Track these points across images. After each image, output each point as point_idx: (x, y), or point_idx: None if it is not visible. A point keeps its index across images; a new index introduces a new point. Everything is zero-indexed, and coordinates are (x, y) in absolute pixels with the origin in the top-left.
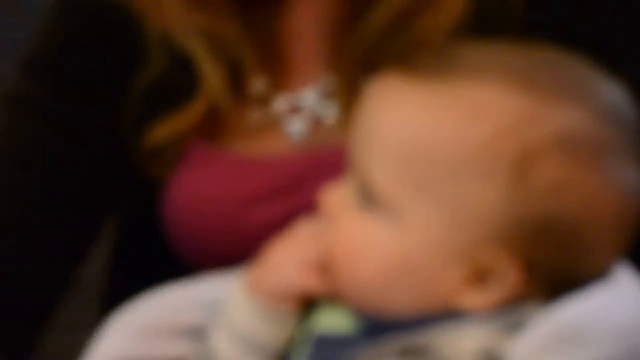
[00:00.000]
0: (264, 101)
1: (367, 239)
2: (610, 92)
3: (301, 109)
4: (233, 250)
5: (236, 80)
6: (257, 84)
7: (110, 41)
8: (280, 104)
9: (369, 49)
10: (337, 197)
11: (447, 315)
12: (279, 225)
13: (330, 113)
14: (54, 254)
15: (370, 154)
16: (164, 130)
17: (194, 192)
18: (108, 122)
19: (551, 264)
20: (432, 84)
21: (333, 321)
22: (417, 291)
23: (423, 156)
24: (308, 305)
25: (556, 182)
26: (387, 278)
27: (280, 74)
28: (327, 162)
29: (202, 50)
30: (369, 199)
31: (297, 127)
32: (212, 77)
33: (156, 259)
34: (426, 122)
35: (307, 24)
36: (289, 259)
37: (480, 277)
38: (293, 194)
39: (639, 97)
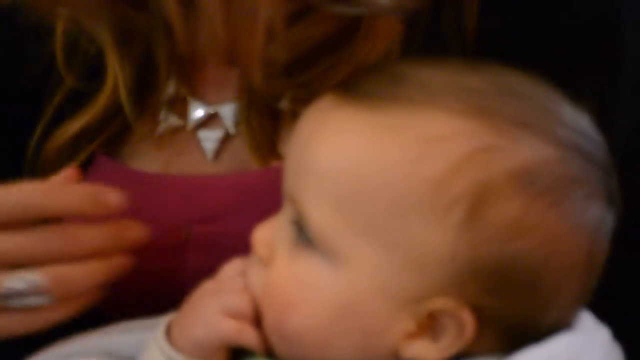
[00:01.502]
0: (176, 108)
1: (303, 281)
2: (574, 117)
3: (216, 122)
4: (138, 288)
5: (146, 81)
6: (171, 88)
7: (21, 50)
8: (195, 112)
9: (281, 76)
10: (269, 233)
11: None
12: (195, 263)
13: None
14: None
15: (305, 187)
16: (64, 134)
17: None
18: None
19: (508, 313)
20: (375, 109)
21: None
22: (358, 341)
23: (364, 192)
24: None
25: (513, 223)
26: (325, 326)
27: (196, 83)
28: (245, 190)
29: (111, 43)
30: (305, 237)
31: (210, 139)
32: (119, 69)
33: None
34: (368, 155)
35: None
36: (215, 305)
37: (429, 326)
38: (212, 224)
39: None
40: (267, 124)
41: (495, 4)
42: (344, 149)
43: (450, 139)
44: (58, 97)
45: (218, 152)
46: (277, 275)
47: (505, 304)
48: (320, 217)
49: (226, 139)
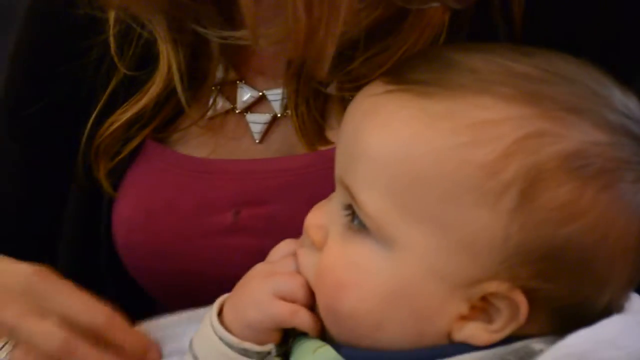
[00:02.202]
0: (225, 92)
1: (356, 265)
2: (624, 101)
3: (264, 105)
4: (187, 272)
5: (197, 67)
6: (220, 72)
7: (73, 45)
8: (244, 95)
9: (328, 67)
10: (321, 218)
11: (443, 350)
12: (244, 246)
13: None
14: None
15: (357, 174)
16: (117, 121)
17: (146, 197)
18: (68, 122)
19: (560, 296)
20: (426, 95)
21: (315, 357)
22: (410, 324)
23: (417, 177)
24: (287, 339)
25: (565, 206)
26: (378, 309)
27: (245, 68)
28: (292, 174)
29: (164, 30)
30: (358, 222)
31: (258, 122)
32: (172, 54)
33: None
34: (419, 140)
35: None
36: (267, 287)
37: (482, 309)
38: (259, 207)
39: None
40: (315, 108)
41: None
42: (396, 134)
43: (501, 124)
44: (112, 85)
45: (265, 135)
46: (330, 259)
47: (557, 287)
48: (374, 202)
49: (273, 122)
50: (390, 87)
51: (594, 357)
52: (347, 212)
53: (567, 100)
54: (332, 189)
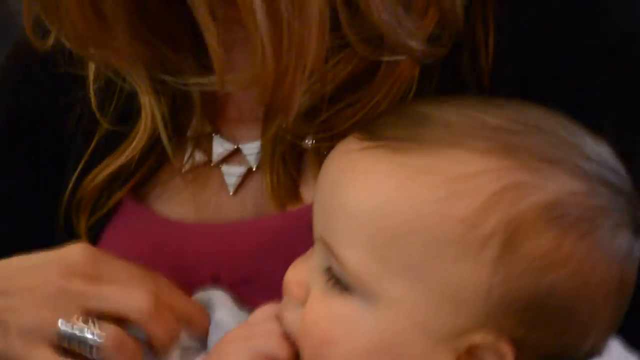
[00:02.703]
0: (201, 145)
1: (341, 321)
2: (597, 149)
3: (239, 158)
4: None
5: (179, 119)
6: (198, 125)
7: (51, 105)
8: (219, 147)
9: (301, 119)
10: (301, 274)
11: None
12: None
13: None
14: None
15: (337, 231)
16: (99, 176)
17: (122, 259)
18: (44, 173)
19: (545, 344)
20: (401, 151)
21: None
22: None
23: (397, 233)
24: None
25: (547, 256)
26: None
27: (220, 120)
28: (268, 234)
29: (147, 83)
30: (340, 279)
31: (233, 174)
32: (156, 106)
33: None
34: (398, 195)
35: None
36: (247, 350)
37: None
38: (238, 270)
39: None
40: (291, 163)
41: (511, 43)
42: (374, 191)
43: (478, 177)
44: (95, 140)
45: (239, 187)
46: (313, 315)
47: (542, 335)
48: (356, 259)
49: (248, 175)
50: (365, 144)
51: None
52: (327, 270)
53: (542, 151)
54: (308, 247)
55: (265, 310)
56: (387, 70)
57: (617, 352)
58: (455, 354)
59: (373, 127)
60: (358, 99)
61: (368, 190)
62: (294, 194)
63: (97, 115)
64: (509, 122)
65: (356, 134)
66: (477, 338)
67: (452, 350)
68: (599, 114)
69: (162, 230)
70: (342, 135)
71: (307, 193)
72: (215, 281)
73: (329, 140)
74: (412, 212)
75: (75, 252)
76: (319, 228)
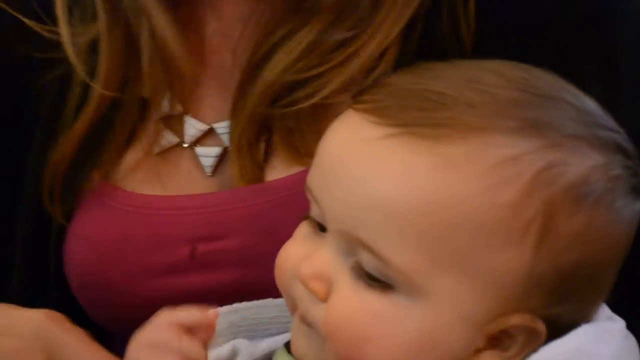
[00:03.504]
0: (172, 126)
1: (379, 316)
2: (599, 112)
3: (213, 138)
4: (144, 310)
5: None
6: (166, 106)
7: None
8: (191, 128)
9: (262, 105)
10: (319, 268)
11: None
12: (202, 281)
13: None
14: None
15: (377, 230)
16: (66, 150)
17: (97, 238)
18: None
19: (569, 315)
20: (434, 139)
21: None
22: None
23: (445, 226)
24: None
25: (579, 232)
26: (404, 358)
27: (191, 101)
28: (243, 206)
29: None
30: (375, 276)
31: (208, 155)
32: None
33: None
34: (444, 188)
35: (217, 56)
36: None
37: (497, 338)
38: (215, 242)
39: None
40: (260, 140)
41: (490, 5)
42: (420, 186)
43: (518, 160)
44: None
45: (217, 168)
46: (345, 311)
47: (568, 308)
48: (403, 258)
49: (225, 155)
50: (388, 131)
51: None
52: (355, 265)
53: (563, 125)
54: (286, 220)
55: (169, 315)
56: (362, 39)
57: (605, 316)
58: (487, 335)
59: (383, 108)
60: (329, 71)
61: (413, 185)
62: (260, 177)
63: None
64: (521, 93)
65: (367, 117)
66: (515, 320)
67: (487, 334)
68: (579, 76)
69: (136, 207)
70: (309, 112)
71: (271, 175)
72: (192, 255)
73: (296, 118)
74: (461, 205)
75: (37, 324)
76: (342, 224)
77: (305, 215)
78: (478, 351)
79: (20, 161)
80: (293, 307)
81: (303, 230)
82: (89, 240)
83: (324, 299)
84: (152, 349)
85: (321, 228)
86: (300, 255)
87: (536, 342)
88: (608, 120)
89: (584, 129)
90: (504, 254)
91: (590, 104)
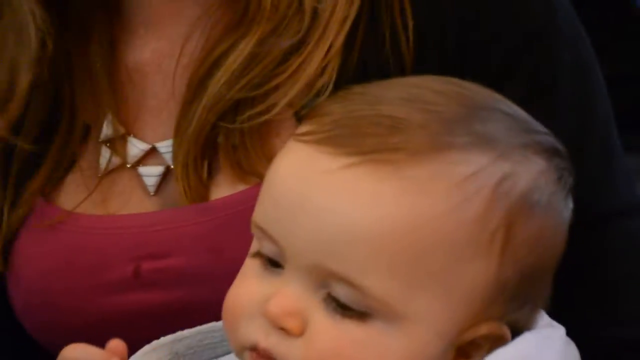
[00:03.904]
0: (116, 148)
1: (365, 346)
2: (530, 119)
3: (156, 157)
4: (90, 330)
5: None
6: (108, 128)
7: None
8: (134, 148)
9: (208, 120)
10: (290, 305)
11: None
12: (147, 300)
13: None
14: None
15: (351, 260)
16: None
17: (40, 259)
18: None
19: (525, 318)
20: (398, 164)
21: None
22: None
23: (420, 249)
24: None
25: (535, 236)
26: None
27: (133, 121)
28: (186, 225)
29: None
30: (350, 306)
31: (151, 175)
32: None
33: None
34: (418, 211)
35: (156, 73)
36: None
37: (468, 350)
38: (159, 260)
39: None
40: (202, 162)
41: (429, 21)
42: (388, 212)
43: (476, 177)
44: None
45: (159, 187)
46: (329, 343)
47: (526, 314)
48: (379, 285)
49: (167, 174)
50: (348, 160)
51: None
52: (327, 297)
53: (508, 136)
54: (231, 238)
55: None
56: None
57: (545, 323)
58: (457, 349)
59: (336, 137)
60: (277, 86)
61: (383, 212)
62: (204, 196)
63: None
64: (463, 108)
65: (321, 148)
66: (483, 329)
67: (456, 346)
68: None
69: (78, 226)
70: (253, 129)
71: (216, 193)
72: (137, 273)
73: (240, 136)
74: (432, 225)
75: None
76: (310, 258)
77: (252, 253)
78: None
79: None
80: (242, 346)
81: (252, 268)
82: (32, 260)
83: (299, 334)
84: None
85: (273, 264)
86: (258, 295)
87: (501, 345)
88: (539, 125)
89: (524, 137)
90: (473, 266)
91: (521, 112)
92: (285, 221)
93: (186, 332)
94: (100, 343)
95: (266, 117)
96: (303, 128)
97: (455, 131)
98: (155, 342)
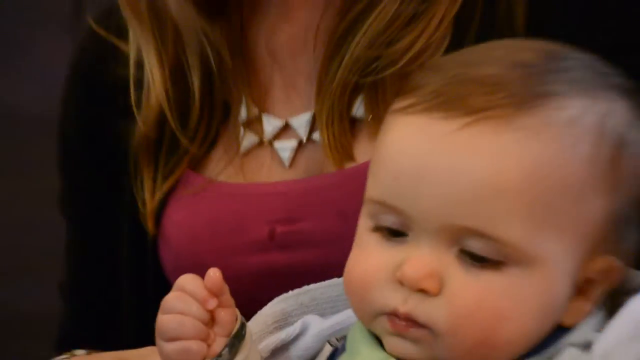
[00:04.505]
0: (252, 126)
1: (508, 295)
2: (605, 65)
3: (289, 132)
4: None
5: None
6: (244, 110)
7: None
8: (269, 126)
9: (350, 78)
10: (425, 268)
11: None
12: (279, 261)
13: (317, 138)
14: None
15: (484, 214)
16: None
17: (187, 223)
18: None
19: (633, 245)
20: (509, 116)
21: None
22: (546, 326)
23: (550, 194)
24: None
25: (636, 169)
26: (534, 327)
27: (266, 100)
28: (319, 192)
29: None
30: (485, 257)
31: (286, 149)
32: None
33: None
34: (542, 159)
35: (290, 53)
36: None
37: (585, 286)
38: (293, 224)
39: None
40: (343, 129)
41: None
42: (513, 163)
43: (582, 118)
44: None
45: (294, 160)
46: (472, 296)
47: (632, 243)
48: (511, 233)
49: (300, 147)
50: (463, 121)
51: None
52: (460, 252)
53: (592, 80)
54: (356, 204)
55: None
56: (421, 24)
57: None
58: (577, 286)
59: (446, 102)
60: (401, 56)
61: (508, 163)
62: (349, 155)
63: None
64: (550, 60)
65: (431, 115)
66: (598, 264)
67: (576, 283)
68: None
69: (221, 193)
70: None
71: (359, 155)
72: (272, 236)
73: (376, 105)
74: (551, 168)
75: None
76: (441, 219)
77: (370, 228)
78: (570, 305)
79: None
80: (375, 315)
81: (372, 241)
82: (182, 224)
83: (438, 293)
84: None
85: (395, 234)
86: (388, 263)
87: (613, 280)
88: (608, 67)
89: (604, 80)
90: (591, 202)
91: (590, 58)
92: (409, 189)
93: (312, 286)
94: (239, 300)
95: (399, 65)
96: (404, 102)
97: (551, 81)
98: (284, 295)
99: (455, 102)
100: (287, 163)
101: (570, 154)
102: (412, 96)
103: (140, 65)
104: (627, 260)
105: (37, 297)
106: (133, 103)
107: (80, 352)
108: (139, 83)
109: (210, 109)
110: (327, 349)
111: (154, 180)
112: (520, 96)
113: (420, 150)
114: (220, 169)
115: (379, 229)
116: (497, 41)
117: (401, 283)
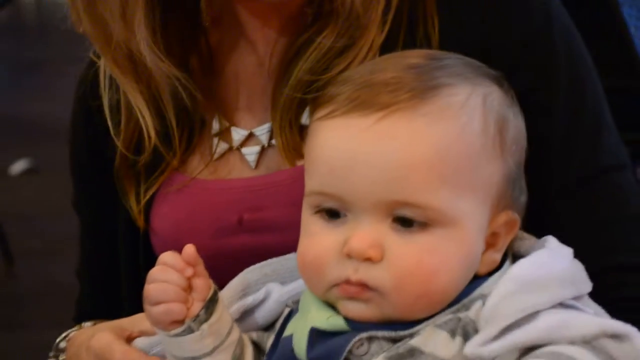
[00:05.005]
0: (224, 136)
1: (438, 252)
2: (474, 61)
3: (253, 140)
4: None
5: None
6: (216, 124)
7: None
8: (237, 136)
9: (296, 95)
10: (367, 240)
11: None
12: (247, 243)
13: (275, 143)
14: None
15: (408, 185)
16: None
17: (171, 213)
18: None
19: (522, 206)
20: (414, 106)
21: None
22: (468, 275)
23: (458, 161)
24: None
25: (516, 135)
26: (460, 276)
27: (233, 115)
28: (279, 185)
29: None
30: (414, 220)
31: (251, 153)
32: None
33: None
34: (447, 135)
35: (252, 75)
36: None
37: (491, 239)
38: (257, 212)
39: None
40: (295, 134)
41: (450, 25)
42: (426, 142)
43: (469, 99)
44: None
45: (258, 161)
46: (410, 256)
47: (522, 203)
48: (434, 198)
49: (262, 151)
50: (379, 114)
51: (539, 277)
52: (395, 219)
53: (471, 72)
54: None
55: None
56: (354, 49)
57: (555, 244)
58: (486, 240)
59: (360, 103)
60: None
61: (422, 142)
62: (301, 154)
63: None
64: (434, 61)
65: (350, 116)
66: (501, 219)
67: (485, 237)
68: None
69: (198, 188)
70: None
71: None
72: (240, 222)
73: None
74: (456, 141)
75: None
76: (374, 197)
77: (312, 211)
78: (483, 254)
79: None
80: (329, 286)
81: (315, 224)
82: (166, 217)
83: (381, 259)
84: (162, 270)
85: (333, 215)
86: (334, 243)
87: (513, 231)
88: (478, 62)
89: (479, 71)
90: (489, 167)
91: (463, 56)
92: (343, 178)
93: (273, 259)
94: (215, 275)
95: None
96: (324, 110)
97: (438, 75)
98: (250, 267)
99: (367, 102)
100: (253, 165)
101: (467, 129)
102: (330, 104)
103: (117, 89)
104: (520, 213)
105: None
106: (110, 127)
107: (87, 324)
108: (117, 107)
109: (190, 125)
110: (286, 311)
111: (137, 194)
112: (419, 90)
113: (347, 145)
114: (198, 171)
115: (319, 211)
116: (388, 54)
117: (349, 256)
